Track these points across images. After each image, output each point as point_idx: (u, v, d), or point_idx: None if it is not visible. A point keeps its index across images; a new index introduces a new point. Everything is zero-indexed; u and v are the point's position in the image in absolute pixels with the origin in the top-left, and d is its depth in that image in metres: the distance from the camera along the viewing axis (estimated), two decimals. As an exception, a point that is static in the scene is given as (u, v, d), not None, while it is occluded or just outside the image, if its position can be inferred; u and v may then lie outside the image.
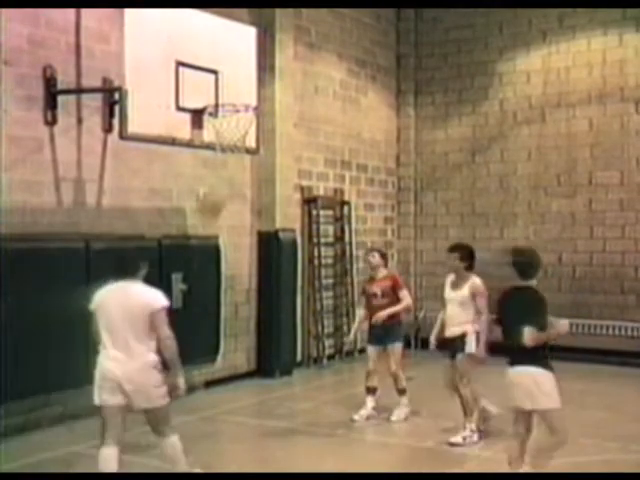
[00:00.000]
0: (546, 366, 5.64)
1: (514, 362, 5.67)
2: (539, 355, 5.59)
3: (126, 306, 5.57)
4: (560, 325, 5.63)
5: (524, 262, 5.85)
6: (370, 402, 8.33)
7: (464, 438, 7.34)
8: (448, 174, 13.36)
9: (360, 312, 8.60)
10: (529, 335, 5.44)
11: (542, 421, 5.71)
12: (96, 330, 5.71)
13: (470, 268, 7.64)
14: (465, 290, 7.53)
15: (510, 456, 5.86)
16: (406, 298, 8.38)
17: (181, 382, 5.62)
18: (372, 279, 8.43)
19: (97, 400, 5.75)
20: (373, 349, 8.33)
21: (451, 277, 7.80)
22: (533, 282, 5.77)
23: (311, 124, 11.71)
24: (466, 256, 7.68)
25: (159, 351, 5.57)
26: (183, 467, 5.81)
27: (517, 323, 5.52)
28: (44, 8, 7.74)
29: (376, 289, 8.29)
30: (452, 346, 7.58)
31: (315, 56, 11.80)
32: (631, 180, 11.93)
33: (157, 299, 5.63)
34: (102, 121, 8.38)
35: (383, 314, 8.10)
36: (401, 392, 8.33)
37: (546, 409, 5.63)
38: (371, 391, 8.36)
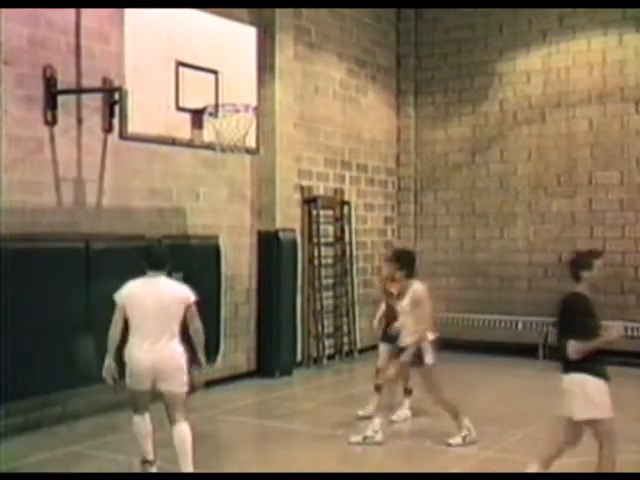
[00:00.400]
0: (596, 373, 5.53)
1: (565, 369, 5.59)
2: (589, 362, 5.47)
3: (162, 299, 6.03)
4: (610, 332, 5.55)
5: (571, 263, 5.70)
6: (377, 400, 8.30)
7: (464, 438, 7.34)
8: (448, 174, 13.36)
9: (382, 306, 8.59)
10: (573, 349, 5.39)
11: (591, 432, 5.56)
12: (117, 320, 6.04)
13: (410, 276, 7.50)
14: (407, 299, 7.45)
15: (540, 456, 5.78)
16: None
17: (204, 360, 6.43)
18: (392, 278, 8.36)
19: (128, 382, 6.23)
20: (385, 347, 8.34)
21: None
22: (582, 286, 5.59)
23: (311, 124, 11.71)
24: (405, 264, 7.53)
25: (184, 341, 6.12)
26: (188, 460, 6.09)
27: (563, 335, 5.46)
28: (44, 8, 7.74)
29: (393, 289, 8.28)
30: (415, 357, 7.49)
31: (315, 56, 11.80)
32: (631, 180, 11.93)
33: (190, 294, 6.25)
34: (102, 121, 8.38)
35: (397, 325, 7.95)
36: (408, 392, 8.35)
37: (593, 419, 5.52)
38: (379, 389, 8.34)
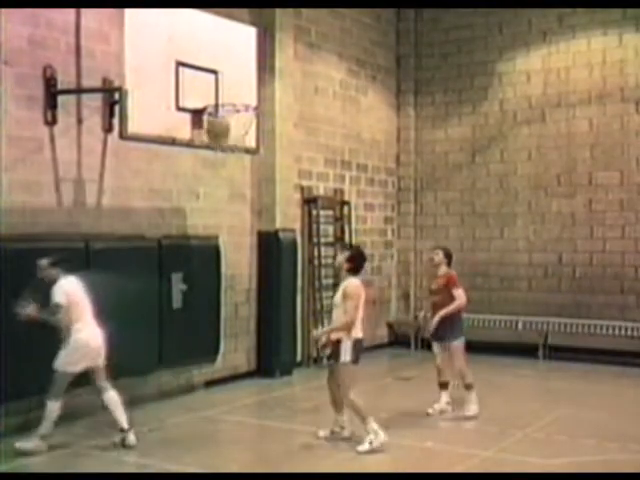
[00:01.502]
0: None
1: None
2: None
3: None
4: None
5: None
6: (444, 397, 8.48)
7: (370, 442, 7.09)
8: (448, 174, 13.36)
9: (428, 304, 8.86)
10: None
11: None
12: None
13: (353, 272, 7.34)
14: (339, 292, 7.36)
15: None
16: (460, 297, 8.42)
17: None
18: (435, 275, 8.71)
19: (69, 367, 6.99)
20: (437, 345, 8.53)
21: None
22: None
23: (311, 124, 11.71)
24: (352, 260, 7.39)
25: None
26: (124, 416, 7.15)
27: None
28: (44, 8, 7.74)
29: (433, 286, 8.63)
30: (333, 352, 7.39)
31: (315, 56, 11.80)
32: (631, 180, 11.93)
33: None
34: (102, 121, 8.38)
35: (435, 319, 8.35)
36: (468, 387, 8.41)
37: None
38: (444, 386, 8.52)
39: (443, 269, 8.58)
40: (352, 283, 7.28)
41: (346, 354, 7.16)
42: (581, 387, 9.82)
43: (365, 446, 7.07)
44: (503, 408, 8.82)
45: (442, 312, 8.30)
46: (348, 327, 7.19)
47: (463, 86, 13.18)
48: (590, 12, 12.06)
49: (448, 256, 8.65)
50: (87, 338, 7.02)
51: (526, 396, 9.54)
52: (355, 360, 7.21)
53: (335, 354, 7.25)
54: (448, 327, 8.34)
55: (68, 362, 6.92)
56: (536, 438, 7.66)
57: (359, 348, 7.27)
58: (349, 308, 7.15)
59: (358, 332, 7.24)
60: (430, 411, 8.39)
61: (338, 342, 7.21)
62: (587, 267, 12.17)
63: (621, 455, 7.05)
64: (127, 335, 8.17)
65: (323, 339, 7.61)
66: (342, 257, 7.41)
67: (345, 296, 7.21)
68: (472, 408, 8.34)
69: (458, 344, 8.38)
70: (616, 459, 6.95)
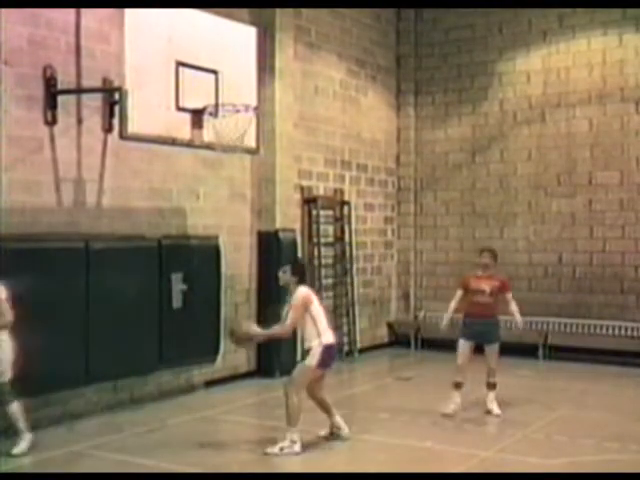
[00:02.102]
0: None
1: None
2: None
3: None
4: None
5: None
6: (457, 397, 8.47)
7: (281, 449, 7.07)
8: (448, 174, 13.36)
9: (452, 305, 8.69)
10: None
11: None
12: None
13: (299, 283, 7.34)
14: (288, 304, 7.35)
15: None
16: (513, 301, 8.63)
17: None
18: (477, 276, 8.63)
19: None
20: (467, 344, 8.49)
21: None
22: None
23: (311, 124, 11.71)
24: (297, 272, 7.41)
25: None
26: (23, 425, 6.91)
27: None
28: (44, 8, 7.73)
29: (485, 286, 8.50)
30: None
31: (315, 56, 11.79)
32: (631, 180, 11.93)
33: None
34: (102, 121, 8.38)
35: (519, 320, 8.59)
36: (492, 386, 8.56)
37: None
38: (458, 386, 8.51)
39: (491, 270, 8.63)
40: (297, 295, 7.24)
41: (313, 358, 7.17)
42: (581, 387, 9.82)
43: (275, 449, 7.03)
44: (503, 408, 8.81)
45: (519, 318, 8.61)
46: (283, 334, 7.39)
47: (463, 86, 13.18)
48: (590, 12, 12.06)
49: (495, 258, 8.73)
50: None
51: (526, 396, 9.54)
52: (322, 365, 7.22)
53: (305, 357, 7.29)
54: (494, 329, 8.54)
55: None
56: (536, 438, 7.66)
57: (330, 354, 7.30)
58: (292, 318, 7.17)
59: (328, 338, 7.26)
60: (448, 412, 8.34)
61: (309, 350, 7.23)
62: (587, 267, 12.17)
63: (621, 455, 7.05)
64: (127, 335, 8.20)
65: (258, 338, 7.62)
66: (285, 275, 7.37)
67: (292, 306, 7.20)
68: (494, 407, 8.56)
69: (497, 347, 8.57)
70: (616, 459, 6.96)
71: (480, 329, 8.42)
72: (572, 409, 8.79)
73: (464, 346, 8.52)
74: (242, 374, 10.39)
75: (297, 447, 7.07)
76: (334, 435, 7.50)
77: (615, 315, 11.88)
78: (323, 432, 7.55)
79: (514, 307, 8.64)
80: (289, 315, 7.20)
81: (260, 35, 9.35)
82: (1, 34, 7.42)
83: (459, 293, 8.72)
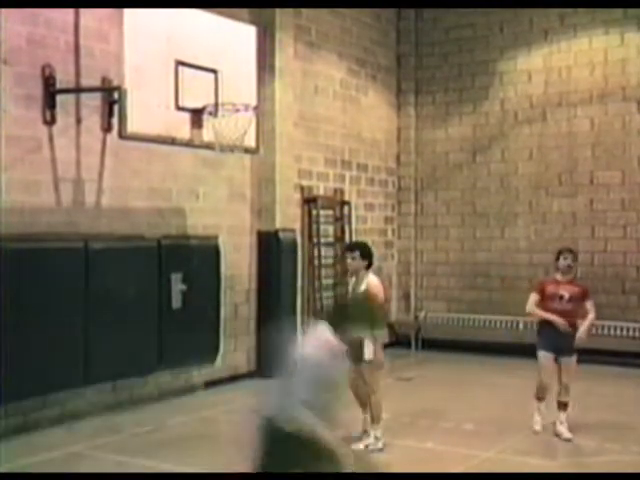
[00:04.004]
0: None
1: None
2: None
3: None
4: None
5: None
6: (543, 408, 7.82)
7: (367, 446, 7.12)
8: (448, 174, 13.34)
9: (538, 310, 7.74)
10: None
11: None
12: None
13: (369, 266, 7.27)
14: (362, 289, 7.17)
15: None
16: (593, 310, 7.73)
17: None
18: (556, 280, 7.82)
19: None
20: (550, 357, 7.64)
21: (352, 279, 7.47)
22: None
23: (311, 124, 11.69)
24: (366, 254, 7.30)
25: None
26: None
27: None
28: (43, 8, 7.71)
29: (563, 291, 7.66)
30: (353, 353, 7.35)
31: (315, 55, 11.77)
32: (632, 180, 11.90)
33: None
34: (101, 120, 8.36)
35: (584, 333, 7.56)
36: (564, 406, 7.72)
37: None
38: (542, 399, 7.82)
39: (572, 275, 7.90)
40: (372, 280, 7.15)
41: (370, 353, 7.04)
42: (581, 387, 9.77)
43: (360, 447, 7.02)
44: (503, 408, 8.80)
45: (587, 326, 7.64)
46: None
47: (464, 85, 13.16)
48: (591, 11, 12.03)
49: (576, 259, 7.98)
50: None
51: (526, 396, 9.51)
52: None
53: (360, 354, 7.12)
54: (571, 340, 7.60)
55: None
56: (536, 438, 7.64)
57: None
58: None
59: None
60: (539, 428, 7.69)
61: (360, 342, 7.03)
62: (588, 267, 12.13)
63: (621, 455, 7.03)
64: (127, 335, 8.18)
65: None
66: (355, 261, 7.23)
67: (372, 294, 6.90)
68: (564, 429, 7.67)
69: (575, 360, 7.78)
70: (617, 460, 6.94)
71: (561, 341, 7.52)
72: (572, 409, 8.76)
73: (546, 359, 7.63)
74: (242, 374, 10.37)
75: (381, 443, 7.16)
76: (366, 432, 7.37)
77: (616, 315, 11.84)
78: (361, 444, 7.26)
79: (591, 317, 7.65)
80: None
81: (260, 34, 9.33)
82: (0, 33, 7.40)
83: (535, 298, 7.76)
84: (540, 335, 7.76)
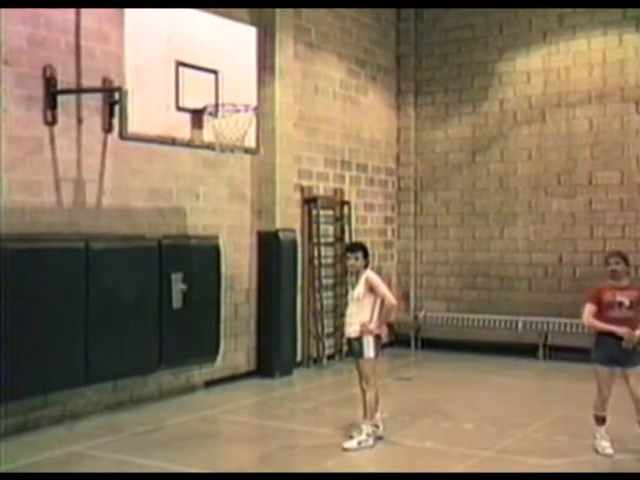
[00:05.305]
0: None
1: None
2: None
3: None
4: None
5: None
6: (605, 434, 7.22)
7: (359, 442, 7.19)
8: (448, 174, 13.36)
9: (597, 322, 7.12)
10: None
11: None
12: None
13: (367, 265, 7.44)
14: (359, 287, 7.34)
15: None
16: None
17: None
18: (611, 287, 7.12)
19: None
20: (608, 371, 7.10)
21: (352, 279, 7.62)
22: None
23: (311, 124, 11.71)
24: (366, 254, 7.47)
25: None
26: None
27: None
28: (44, 8, 7.73)
29: (622, 298, 6.99)
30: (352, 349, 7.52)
31: (315, 56, 11.79)
32: (631, 180, 11.93)
33: None
34: (102, 121, 8.37)
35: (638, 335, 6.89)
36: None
37: None
38: (604, 421, 7.27)
39: (627, 279, 7.17)
40: (370, 274, 7.40)
41: (369, 350, 7.24)
42: (581, 387, 9.78)
43: (354, 444, 7.17)
44: (503, 408, 8.82)
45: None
46: (393, 306, 7.43)
47: (463, 86, 13.18)
48: (590, 12, 12.06)
49: (627, 262, 7.21)
50: None
51: (526, 396, 9.54)
52: (378, 354, 7.35)
53: (358, 351, 7.34)
54: (636, 350, 6.99)
55: None
56: (536, 438, 7.66)
57: (379, 342, 7.42)
58: (384, 292, 7.28)
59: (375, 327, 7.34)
60: (611, 452, 7.04)
61: (357, 340, 7.29)
62: (587, 267, 12.16)
63: (621, 455, 7.04)
64: (127, 335, 8.20)
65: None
66: (358, 261, 7.37)
67: (372, 286, 7.27)
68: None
69: None
70: (616, 459, 6.95)
71: (621, 350, 6.92)
72: (572, 409, 8.78)
73: (605, 373, 7.10)
74: (242, 374, 10.39)
75: (371, 440, 7.23)
76: (359, 430, 7.43)
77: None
78: (354, 441, 7.34)
79: None
80: (380, 291, 7.26)
81: (260, 35, 9.34)
82: (1, 34, 7.40)
83: (592, 308, 7.13)
84: (598, 347, 7.18)
